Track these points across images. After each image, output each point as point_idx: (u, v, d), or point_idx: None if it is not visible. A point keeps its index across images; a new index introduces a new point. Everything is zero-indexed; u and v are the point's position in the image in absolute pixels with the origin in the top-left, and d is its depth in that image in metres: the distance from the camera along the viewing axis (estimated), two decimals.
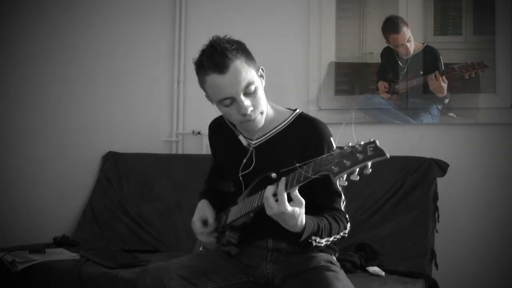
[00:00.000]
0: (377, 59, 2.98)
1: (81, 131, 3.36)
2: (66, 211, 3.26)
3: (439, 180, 2.68)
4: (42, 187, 3.26)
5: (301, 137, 1.67)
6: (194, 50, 1.68)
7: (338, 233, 1.61)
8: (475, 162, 2.79)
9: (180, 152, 3.37)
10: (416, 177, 2.67)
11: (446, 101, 2.85)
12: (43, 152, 3.29)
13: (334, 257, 1.76)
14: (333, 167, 1.33)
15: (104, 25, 3.42)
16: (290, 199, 1.44)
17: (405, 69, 2.93)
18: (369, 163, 1.29)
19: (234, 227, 1.70)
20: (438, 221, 2.61)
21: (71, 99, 3.37)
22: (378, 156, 1.27)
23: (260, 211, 1.54)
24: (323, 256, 1.70)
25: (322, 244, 1.57)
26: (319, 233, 1.53)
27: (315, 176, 1.37)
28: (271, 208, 1.44)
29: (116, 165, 3.27)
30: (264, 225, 1.57)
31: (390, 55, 2.96)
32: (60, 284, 2.44)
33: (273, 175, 1.56)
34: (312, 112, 2.93)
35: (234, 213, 1.70)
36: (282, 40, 3.17)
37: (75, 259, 2.56)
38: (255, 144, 1.74)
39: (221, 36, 1.63)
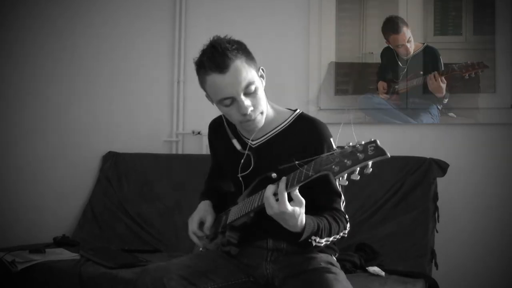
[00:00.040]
0: (377, 59, 2.98)
1: (81, 131, 3.36)
2: (66, 211, 3.26)
3: (439, 180, 2.68)
4: (42, 187, 3.26)
5: (301, 137, 1.67)
6: (194, 50, 1.68)
7: (337, 233, 1.61)
8: (475, 162, 2.79)
9: (180, 152, 3.37)
10: (416, 177, 2.67)
11: (445, 101, 2.85)
12: (43, 152, 3.30)
13: (334, 258, 1.76)
14: (333, 167, 1.32)
15: (104, 25, 3.42)
16: (290, 199, 1.44)
17: (405, 69, 2.93)
18: (370, 163, 1.29)
19: (234, 227, 1.70)
20: (438, 221, 2.61)
21: (71, 99, 3.37)
22: (379, 156, 1.27)
23: (260, 211, 1.54)
24: (323, 257, 1.70)
25: (322, 244, 1.57)
26: (319, 233, 1.53)
27: (315, 176, 1.37)
28: (272, 207, 1.44)
29: (116, 165, 3.27)
30: (264, 225, 1.58)
31: (390, 55, 2.96)
32: (60, 284, 2.44)
33: (273, 175, 1.56)
34: (312, 112, 2.93)
35: (234, 213, 1.70)
36: (282, 40, 3.17)
37: (75, 259, 2.56)
38: (255, 144, 1.74)
39: (222, 36, 1.63)
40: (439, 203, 2.63)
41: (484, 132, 2.79)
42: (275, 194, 1.45)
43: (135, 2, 3.43)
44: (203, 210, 1.84)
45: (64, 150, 3.33)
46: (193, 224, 1.81)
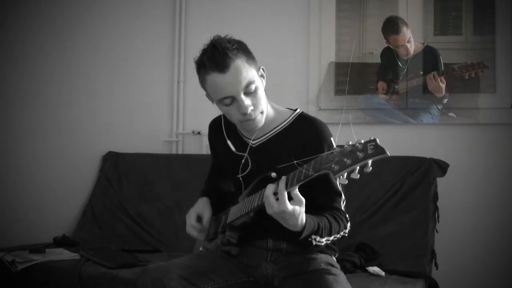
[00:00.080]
0: (377, 59, 2.98)
1: (81, 131, 3.36)
2: (66, 211, 3.26)
3: (439, 180, 2.68)
4: (42, 187, 3.26)
5: (301, 137, 1.67)
6: (194, 50, 1.68)
7: (338, 233, 1.61)
8: (475, 162, 2.79)
9: (180, 152, 3.37)
10: (416, 177, 2.67)
11: (445, 101, 2.85)
12: (43, 152, 3.30)
13: (334, 258, 1.76)
14: (333, 166, 1.32)
15: (103, 25, 3.42)
16: (290, 198, 1.44)
17: (405, 69, 2.93)
18: (370, 161, 1.29)
19: (234, 226, 1.70)
20: (438, 221, 2.61)
21: (71, 99, 3.37)
22: (378, 154, 1.27)
23: (260, 211, 1.54)
24: (323, 257, 1.70)
25: (322, 243, 1.57)
26: (319, 232, 1.53)
27: (315, 175, 1.37)
28: (272, 207, 1.44)
29: (116, 165, 3.27)
30: (264, 224, 1.58)
31: (390, 55, 2.96)
32: (60, 284, 2.44)
33: (273, 174, 1.56)
34: (312, 112, 2.93)
35: (234, 212, 1.70)
36: (282, 40, 3.17)
37: (75, 259, 2.56)
38: (255, 144, 1.74)
39: (222, 35, 1.63)
40: (439, 203, 2.63)
41: (484, 132, 2.79)
42: (275, 194, 1.45)
43: (135, 2, 3.43)
44: (201, 206, 1.85)
45: (64, 150, 3.33)
46: (190, 219, 1.83)
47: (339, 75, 3.04)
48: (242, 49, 1.60)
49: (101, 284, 2.34)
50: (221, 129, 1.83)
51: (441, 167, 2.67)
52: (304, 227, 1.48)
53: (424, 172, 2.67)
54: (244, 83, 1.58)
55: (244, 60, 1.59)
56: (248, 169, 1.73)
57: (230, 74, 1.56)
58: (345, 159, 1.31)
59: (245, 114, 1.61)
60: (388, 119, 2.94)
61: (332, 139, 1.65)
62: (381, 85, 2.97)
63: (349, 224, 1.65)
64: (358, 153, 1.29)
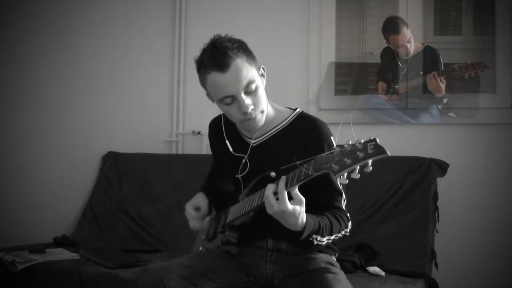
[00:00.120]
0: (377, 59, 2.98)
1: (81, 131, 3.36)
2: (66, 211, 3.26)
3: (439, 180, 2.68)
4: (42, 187, 3.26)
5: (301, 136, 1.67)
6: (194, 50, 1.68)
7: (339, 232, 1.61)
8: (475, 162, 2.79)
9: (180, 152, 3.37)
10: (416, 177, 2.67)
11: (445, 101, 2.85)
12: (43, 152, 3.29)
13: (334, 258, 1.76)
14: (333, 166, 1.32)
15: (103, 24, 3.42)
16: (290, 198, 1.44)
17: (405, 69, 2.93)
18: (370, 161, 1.29)
19: (233, 226, 1.70)
20: (438, 221, 2.61)
21: (71, 99, 3.37)
22: (378, 154, 1.27)
23: (260, 211, 1.54)
24: (323, 257, 1.70)
25: (323, 243, 1.57)
26: (320, 231, 1.53)
27: (315, 174, 1.37)
28: (272, 206, 1.44)
29: (116, 165, 3.27)
30: (264, 224, 1.58)
31: (390, 55, 2.96)
32: (60, 284, 2.44)
33: (273, 174, 1.56)
34: (312, 112, 2.92)
35: (234, 212, 1.70)
36: (282, 40, 3.17)
37: (75, 259, 2.56)
38: (254, 143, 1.74)
39: (222, 35, 1.63)
40: (439, 203, 2.63)
41: (484, 132, 2.79)
42: (275, 193, 1.45)
43: (135, 1, 3.43)
44: (195, 199, 1.86)
45: (64, 150, 3.33)
46: (189, 212, 1.84)
47: (339, 75, 3.04)
48: (242, 48, 1.60)
49: (101, 284, 2.34)
50: (221, 129, 1.83)
51: (441, 167, 2.67)
52: (304, 227, 1.48)
53: (424, 172, 2.67)
54: (244, 82, 1.58)
55: (244, 59, 1.59)
56: (247, 169, 1.72)
57: (230, 73, 1.56)
58: (345, 159, 1.31)
59: (245, 113, 1.61)
60: (388, 119, 2.94)
61: (332, 138, 1.66)
62: (381, 85, 2.97)
63: (350, 223, 1.65)
64: (358, 153, 1.29)
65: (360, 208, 2.69)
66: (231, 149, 1.77)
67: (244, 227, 1.68)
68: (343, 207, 1.66)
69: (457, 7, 2.87)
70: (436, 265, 2.49)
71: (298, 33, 3.13)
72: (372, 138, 1.30)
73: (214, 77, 1.58)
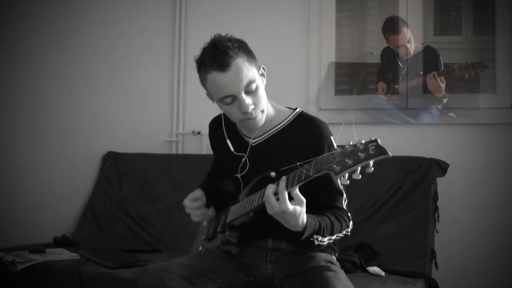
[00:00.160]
0: (377, 59, 2.98)
1: (81, 131, 3.36)
2: (66, 211, 3.26)
3: (439, 180, 2.68)
4: (42, 187, 3.26)
5: (301, 136, 1.67)
6: (194, 50, 1.68)
7: (340, 232, 1.61)
8: (475, 162, 2.79)
9: (180, 152, 3.38)
10: (416, 177, 2.67)
11: (445, 100, 2.85)
12: (43, 152, 3.29)
13: (334, 257, 1.76)
14: (334, 166, 1.32)
15: (103, 24, 3.42)
16: (290, 198, 1.44)
17: (405, 69, 2.92)
18: (371, 162, 1.29)
19: (233, 226, 1.70)
20: (438, 221, 2.61)
21: (71, 99, 3.37)
22: (380, 155, 1.27)
23: (260, 211, 1.54)
24: (323, 256, 1.70)
25: (325, 243, 1.56)
26: (320, 231, 1.52)
27: (316, 175, 1.37)
28: (272, 207, 1.44)
29: (116, 165, 3.27)
30: (264, 224, 1.58)
31: (390, 55, 2.96)
32: (60, 284, 2.44)
33: (273, 174, 1.56)
34: (312, 112, 2.91)
35: (234, 212, 1.70)
36: (282, 40, 3.17)
37: (75, 259, 2.56)
38: (254, 142, 1.74)
39: (223, 35, 1.63)
40: (439, 203, 2.63)
41: (484, 132, 2.79)
42: (276, 194, 1.45)
43: (135, 2, 3.43)
44: (192, 193, 1.86)
45: (64, 150, 3.33)
46: (188, 205, 1.84)
47: (339, 75, 3.04)
48: (242, 48, 1.60)
49: (101, 284, 2.34)
50: (220, 128, 1.83)
51: (441, 167, 2.67)
52: (305, 227, 1.48)
53: (424, 172, 2.67)
54: (245, 82, 1.58)
55: (245, 59, 1.59)
56: (247, 169, 1.72)
57: (231, 73, 1.56)
58: (347, 160, 1.31)
59: (245, 113, 1.61)
60: (388, 119, 2.94)
61: (332, 138, 1.65)
62: (381, 85, 2.97)
63: (351, 223, 1.65)
64: (359, 153, 1.29)
65: (360, 208, 2.69)
66: (232, 148, 1.76)
67: (244, 227, 1.68)
68: (344, 206, 1.66)
69: (457, 7, 2.87)
70: (436, 265, 2.49)
71: (298, 33, 3.14)
72: (373, 138, 1.30)
73: (215, 76, 1.58)
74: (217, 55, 1.56)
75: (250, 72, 1.59)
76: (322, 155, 1.37)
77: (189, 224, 1.97)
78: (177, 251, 2.76)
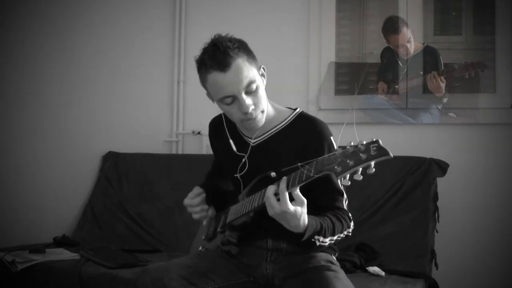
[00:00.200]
0: (377, 59, 2.98)
1: (81, 131, 3.36)
2: (66, 211, 3.26)
3: (439, 180, 2.68)
4: (42, 187, 3.26)
5: (301, 136, 1.67)
6: (194, 50, 1.68)
7: (341, 232, 1.60)
8: (475, 162, 2.79)
9: (180, 152, 3.37)
10: (416, 177, 2.67)
11: (445, 100, 2.85)
12: (43, 152, 3.29)
13: (334, 257, 1.76)
14: (336, 167, 1.32)
15: (103, 24, 3.42)
16: (291, 199, 1.44)
17: (405, 69, 2.92)
18: (373, 163, 1.29)
19: (233, 226, 1.70)
20: (438, 221, 2.61)
21: (71, 99, 3.37)
22: (381, 156, 1.27)
23: (260, 211, 1.54)
24: (323, 255, 1.70)
25: (326, 244, 1.56)
26: (322, 232, 1.52)
27: (317, 176, 1.37)
28: (273, 208, 1.44)
29: (116, 165, 3.27)
30: (264, 224, 1.57)
31: (390, 55, 2.96)
32: (60, 284, 2.44)
33: (273, 174, 1.56)
34: (312, 112, 2.92)
35: (234, 212, 1.70)
36: (282, 40, 3.17)
37: (75, 259, 2.56)
38: (254, 142, 1.74)
39: (223, 34, 1.63)
40: (439, 203, 2.63)
41: (484, 132, 2.79)
42: (276, 194, 1.45)
43: (135, 1, 3.43)
44: (192, 192, 1.84)
45: (64, 150, 3.33)
46: (186, 201, 1.83)
47: (339, 75, 3.04)
48: (243, 48, 1.60)
49: (101, 284, 2.34)
50: (220, 128, 1.83)
51: (441, 167, 2.67)
52: (306, 228, 1.47)
53: (424, 172, 2.67)
54: (245, 82, 1.58)
55: (245, 59, 1.59)
56: (246, 169, 1.72)
57: (231, 73, 1.56)
58: (348, 160, 1.30)
59: (246, 113, 1.61)
60: (388, 119, 2.94)
61: (332, 138, 1.65)
62: (381, 85, 2.97)
63: (352, 223, 1.65)
64: (360, 154, 1.29)
65: (360, 208, 2.69)
66: (234, 148, 1.76)
67: (244, 227, 1.68)
68: (345, 207, 1.66)
69: (457, 7, 2.87)
70: (436, 265, 2.49)
71: (298, 33, 3.13)
72: (374, 139, 1.30)
73: (215, 76, 1.58)
74: (218, 55, 1.56)
75: (251, 72, 1.59)
76: (323, 156, 1.37)
77: (189, 224, 1.97)
78: (177, 251, 2.76)
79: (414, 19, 2.92)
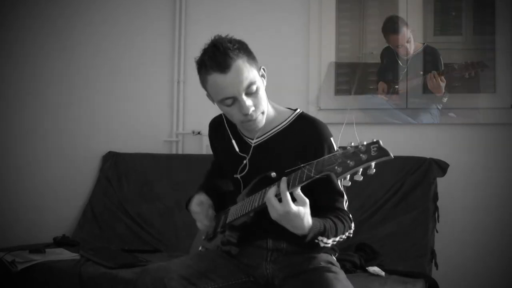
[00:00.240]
0: (377, 59, 2.98)
1: (81, 131, 3.36)
2: (66, 211, 3.26)
3: (439, 180, 2.68)
4: (42, 187, 3.26)
5: (301, 137, 1.67)
6: (194, 50, 1.68)
7: (343, 233, 1.59)
8: (475, 162, 2.79)
9: (180, 152, 3.37)
10: (416, 177, 2.67)
11: (445, 100, 2.84)
12: (43, 152, 3.30)
13: (334, 258, 1.75)
14: (336, 167, 1.32)
15: (103, 24, 3.42)
16: (293, 199, 1.43)
17: (405, 69, 2.92)
18: (373, 163, 1.29)
19: (234, 226, 1.70)
20: (438, 221, 2.61)
21: (71, 99, 3.37)
22: (382, 156, 1.27)
23: (260, 211, 1.54)
24: (323, 256, 1.70)
25: (329, 245, 1.55)
26: (325, 233, 1.51)
27: (318, 176, 1.36)
28: (275, 209, 1.43)
29: (116, 165, 3.27)
30: (264, 224, 1.57)
31: (390, 55, 2.96)
32: (60, 284, 2.44)
33: (273, 174, 1.56)
34: (312, 112, 2.93)
35: (234, 212, 1.70)
36: (282, 40, 3.17)
37: (75, 259, 2.56)
38: (255, 143, 1.74)
39: (223, 35, 1.63)
40: (439, 203, 2.63)
41: (484, 132, 2.79)
42: (277, 195, 1.44)
43: (135, 1, 3.43)
44: (195, 198, 1.82)
45: (64, 150, 3.33)
46: (194, 210, 1.80)
47: (339, 75, 3.04)
48: (243, 49, 1.60)
49: (101, 284, 2.34)
50: (221, 128, 1.83)
51: (441, 167, 2.67)
52: (310, 229, 1.46)
53: (424, 172, 2.67)
54: (245, 83, 1.58)
55: (245, 60, 1.58)
56: (247, 169, 1.72)
57: (231, 74, 1.56)
58: (348, 161, 1.30)
59: (246, 114, 1.60)
60: (388, 119, 2.94)
61: (332, 139, 1.65)
62: (381, 85, 2.97)
63: (353, 225, 1.64)
64: (361, 155, 1.29)
65: (360, 208, 2.69)
66: (237, 149, 1.76)
67: (244, 227, 1.68)
68: (345, 208, 1.65)
69: (457, 7, 2.87)
70: (436, 265, 2.49)
71: (298, 33, 3.13)
72: (375, 140, 1.30)
73: (215, 78, 1.57)
74: (218, 57, 1.56)
75: (251, 73, 1.59)
76: (324, 156, 1.37)
77: (189, 224, 1.97)
78: (177, 251, 2.76)
79: (414, 19, 2.92)
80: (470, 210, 2.78)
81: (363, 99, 2.99)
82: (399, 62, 2.94)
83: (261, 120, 1.65)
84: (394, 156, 1.29)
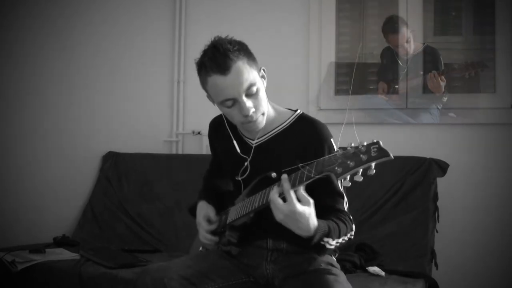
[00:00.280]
0: (377, 59, 2.98)
1: (81, 131, 3.37)
2: (66, 211, 3.26)
3: (439, 180, 2.68)
4: (42, 187, 3.26)
5: (301, 137, 1.66)
6: (194, 50, 1.68)
7: (345, 234, 1.58)
8: (475, 162, 2.79)
9: (180, 152, 3.37)
10: (416, 177, 2.67)
11: (445, 99, 2.84)
12: (43, 152, 3.30)
13: (334, 258, 1.75)
14: (336, 168, 1.32)
15: (103, 24, 3.42)
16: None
17: (405, 69, 2.92)
18: (373, 164, 1.28)
19: (234, 226, 1.70)
20: (438, 221, 2.61)
21: (71, 99, 3.38)
22: (382, 157, 1.27)
23: (260, 211, 1.54)
24: (324, 257, 1.69)
25: (333, 247, 1.54)
26: (330, 234, 1.50)
27: (318, 177, 1.36)
28: (280, 210, 1.41)
29: (116, 165, 3.27)
30: (264, 225, 1.58)
31: (390, 55, 2.96)
32: (60, 284, 2.44)
33: (273, 174, 1.56)
34: (312, 112, 2.94)
35: (234, 212, 1.70)
36: (282, 40, 3.17)
37: (75, 259, 2.56)
38: (255, 144, 1.74)
39: (223, 36, 1.62)
40: (439, 203, 2.63)
41: (484, 132, 2.79)
42: (280, 195, 1.43)
43: (135, 1, 3.43)
44: (203, 209, 1.83)
45: (64, 150, 3.33)
46: (202, 224, 1.80)
47: (339, 75, 3.04)
48: (243, 50, 1.59)
49: (101, 284, 2.34)
50: (221, 128, 1.83)
51: (441, 167, 2.67)
52: (316, 230, 1.45)
53: (424, 172, 2.67)
54: (245, 85, 1.57)
55: (245, 61, 1.58)
56: (248, 172, 1.72)
57: (231, 76, 1.55)
58: (348, 162, 1.30)
59: (246, 116, 1.60)
60: (388, 119, 2.94)
61: (332, 140, 1.65)
62: (382, 85, 2.97)
63: (354, 225, 1.63)
64: (361, 155, 1.29)
65: (360, 208, 2.69)
66: (238, 150, 1.75)
67: (245, 228, 1.68)
68: (345, 209, 1.65)
69: (457, 7, 2.87)
70: (436, 265, 2.50)
71: (298, 33, 3.13)
72: (375, 141, 1.30)
73: (215, 79, 1.57)
74: (218, 58, 1.55)
75: (251, 74, 1.58)
76: (324, 157, 1.37)
77: (189, 224, 1.97)
78: (177, 251, 2.76)
79: (414, 19, 2.92)
80: (470, 210, 2.78)
81: (363, 99, 2.99)
82: (399, 62, 2.94)
83: (262, 121, 1.65)
84: (394, 156, 1.29)
